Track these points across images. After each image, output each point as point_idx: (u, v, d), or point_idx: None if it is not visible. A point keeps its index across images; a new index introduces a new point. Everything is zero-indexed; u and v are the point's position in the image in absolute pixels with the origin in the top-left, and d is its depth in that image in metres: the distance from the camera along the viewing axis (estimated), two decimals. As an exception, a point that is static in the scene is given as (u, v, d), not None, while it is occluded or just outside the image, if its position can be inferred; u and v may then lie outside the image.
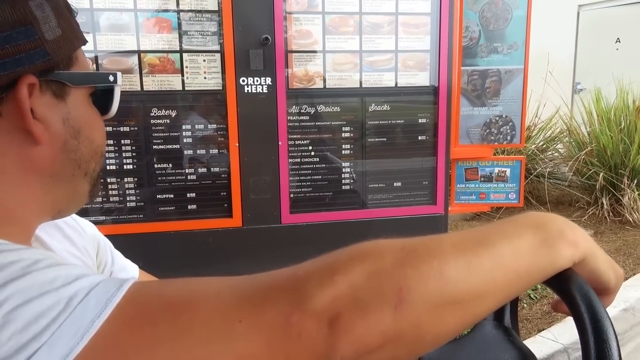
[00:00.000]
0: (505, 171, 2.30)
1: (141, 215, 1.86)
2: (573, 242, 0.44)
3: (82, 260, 0.63)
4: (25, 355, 0.32)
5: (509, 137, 2.25)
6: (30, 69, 0.45)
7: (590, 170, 3.92)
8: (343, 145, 2.00)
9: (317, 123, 1.96)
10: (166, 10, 1.78)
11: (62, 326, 0.33)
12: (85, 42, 0.53)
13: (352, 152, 2.00)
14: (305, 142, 1.96)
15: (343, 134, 1.99)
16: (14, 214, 0.47)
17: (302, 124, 1.94)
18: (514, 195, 2.31)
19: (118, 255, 0.73)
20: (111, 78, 0.54)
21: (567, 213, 4.00)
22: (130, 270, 0.74)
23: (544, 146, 4.62)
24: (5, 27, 0.43)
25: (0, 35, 0.43)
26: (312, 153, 1.97)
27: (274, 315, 0.35)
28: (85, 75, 0.51)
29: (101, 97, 0.54)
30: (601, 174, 3.83)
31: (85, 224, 0.68)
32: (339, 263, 0.37)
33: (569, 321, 2.44)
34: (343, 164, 2.01)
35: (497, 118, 2.23)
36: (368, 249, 0.39)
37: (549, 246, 0.43)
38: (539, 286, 2.40)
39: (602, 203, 3.87)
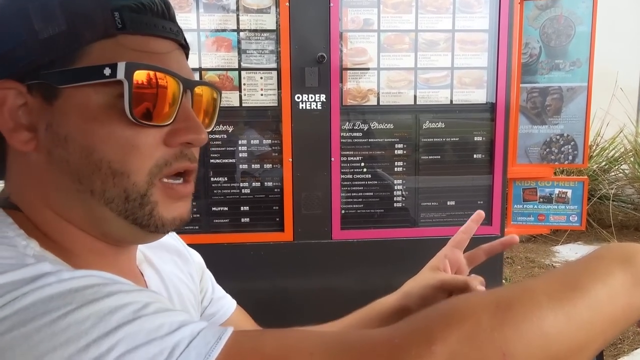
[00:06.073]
0: (566, 192, 2.20)
1: (197, 227, 1.92)
2: None
3: (187, 284, 0.66)
4: None
5: (570, 157, 2.15)
6: (12, 74, 0.41)
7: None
8: (395, 162, 1.98)
9: (369, 140, 1.95)
10: (227, 30, 1.85)
11: None
12: (108, 32, 0.41)
13: (404, 169, 1.98)
14: (357, 158, 1.95)
15: (396, 150, 1.97)
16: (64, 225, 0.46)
17: (355, 140, 1.94)
18: (576, 218, 2.19)
19: (218, 287, 0.75)
20: (107, 71, 0.40)
21: (633, 238, 3.76)
22: (227, 301, 0.76)
23: (607, 166, 4.39)
24: None
25: None
26: (364, 169, 1.96)
27: None
28: (74, 71, 0.41)
29: (135, 100, 0.42)
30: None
31: (194, 252, 0.71)
32: (435, 329, 0.35)
33: (636, 354, 2.28)
34: (395, 181, 1.99)
35: (558, 137, 2.14)
36: (462, 309, 0.37)
37: None
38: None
39: (674, 229, 3.62)
